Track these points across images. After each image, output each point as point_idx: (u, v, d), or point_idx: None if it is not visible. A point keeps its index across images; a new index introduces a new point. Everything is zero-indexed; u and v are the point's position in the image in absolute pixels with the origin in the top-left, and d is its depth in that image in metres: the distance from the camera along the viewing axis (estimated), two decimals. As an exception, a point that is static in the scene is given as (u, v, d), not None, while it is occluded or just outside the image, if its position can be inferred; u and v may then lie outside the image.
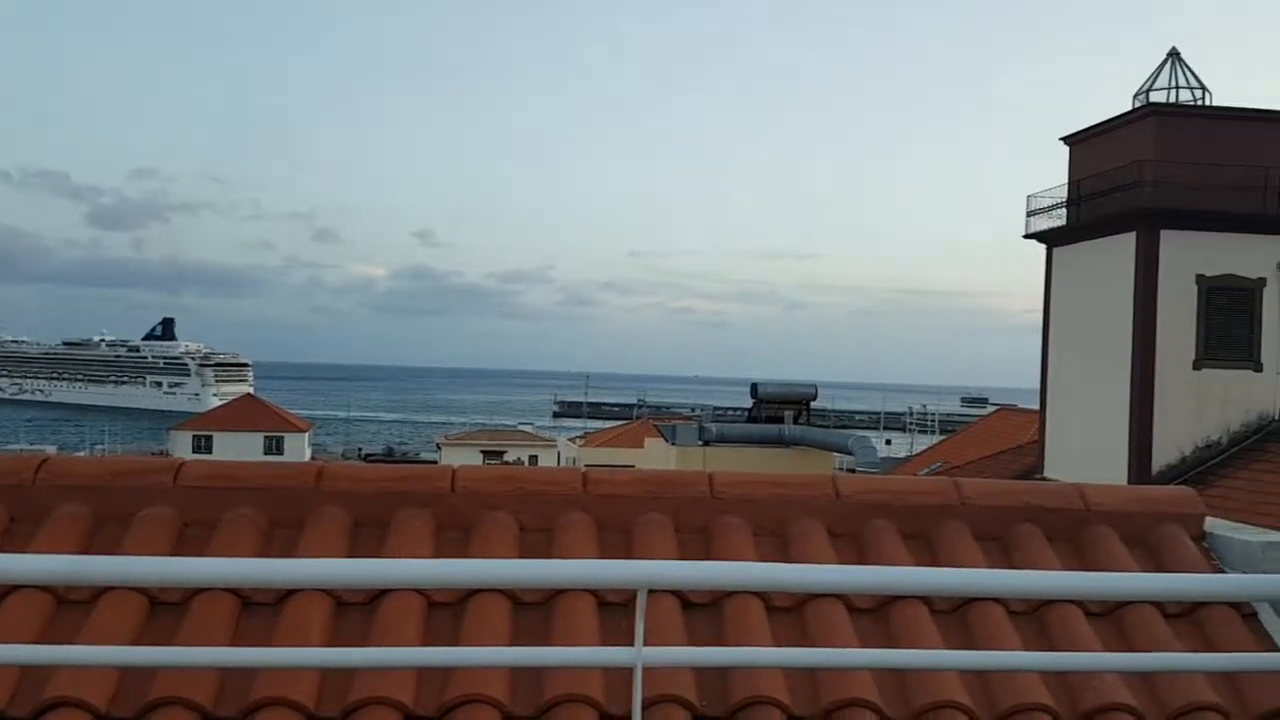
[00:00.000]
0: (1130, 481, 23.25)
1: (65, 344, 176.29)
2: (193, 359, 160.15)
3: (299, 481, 4.05)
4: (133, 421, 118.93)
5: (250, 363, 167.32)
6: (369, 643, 3.44)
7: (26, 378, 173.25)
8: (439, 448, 74.19)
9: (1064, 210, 28.24)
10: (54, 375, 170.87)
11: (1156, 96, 27.04)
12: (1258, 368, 24.75)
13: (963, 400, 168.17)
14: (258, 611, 3.56)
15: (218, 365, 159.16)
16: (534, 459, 68.08)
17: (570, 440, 70.21)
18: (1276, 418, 24.51)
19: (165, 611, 3.53)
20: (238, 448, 64.73)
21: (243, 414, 72.76)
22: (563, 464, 62.22)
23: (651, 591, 2.90)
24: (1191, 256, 24.59)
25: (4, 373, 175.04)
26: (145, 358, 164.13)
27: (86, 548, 3.78)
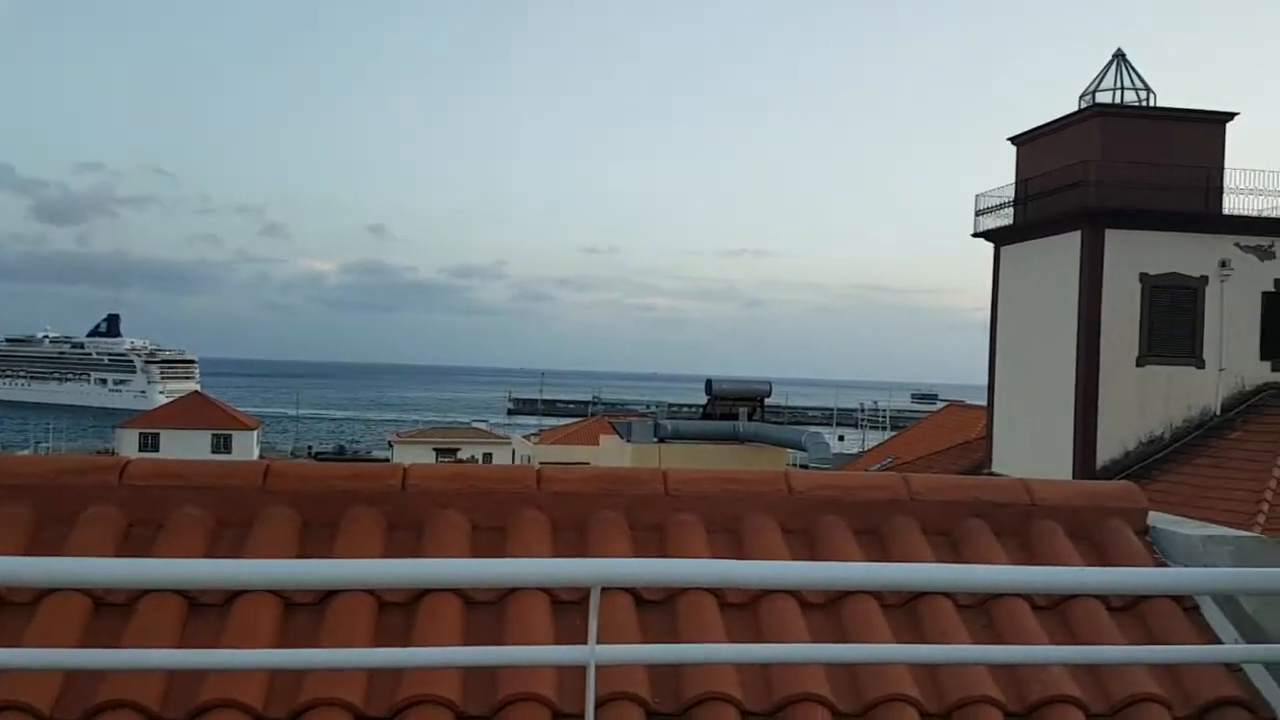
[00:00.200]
0: (1075, 476, 23.62)
1: (8, 340, 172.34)
2: (138, 356, 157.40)
3: (247, 480, 3.99)
4: (77, 419, 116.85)
5: (197, 359, 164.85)
6: (319, 643, 3.40)
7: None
8: (391, 445, 73.65)
9: (1011, 209, 28.63)
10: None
11: (1102, 97, 27.50)
12: (1200, 364, 25.25)
13: (913, 396, 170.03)
14: (205, 613, 3.51)
15: (164, 362, 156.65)
16: (488, 457, 67.80)
17: (525, 438, 69.99)
18: (1218, 413, 25.04)
19: (110, 613, 3.47)
20: (185, 446, 63.85)
21: (190, 412, 71.90)
22: (517, 462, 62.00)
23: (605, 589, 2.90)
24: (1136, 255, 25.05)
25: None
26: (90, 354, 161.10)
27: (29, 548, 3.70)
